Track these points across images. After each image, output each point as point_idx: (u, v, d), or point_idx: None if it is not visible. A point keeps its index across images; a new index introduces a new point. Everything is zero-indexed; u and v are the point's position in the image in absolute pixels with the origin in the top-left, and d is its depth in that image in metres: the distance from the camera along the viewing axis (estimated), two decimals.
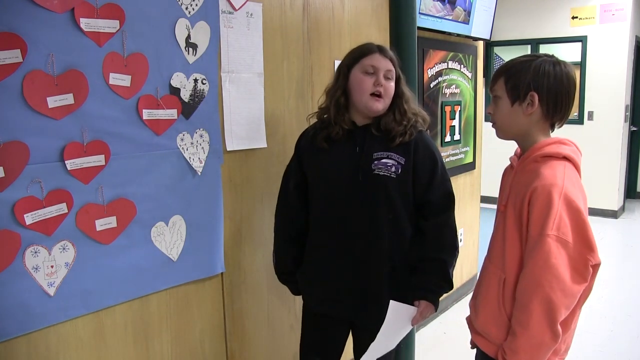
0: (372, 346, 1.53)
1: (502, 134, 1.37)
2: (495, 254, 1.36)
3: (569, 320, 1.25)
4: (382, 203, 1.54)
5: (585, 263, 1.19)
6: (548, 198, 1.18)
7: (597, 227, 5.43)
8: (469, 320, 1.49)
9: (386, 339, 1.54)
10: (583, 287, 1.21)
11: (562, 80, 1.27)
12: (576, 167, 1.29)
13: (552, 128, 1.35)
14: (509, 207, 1.31)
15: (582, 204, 1.22)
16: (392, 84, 1.56)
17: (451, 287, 1.62)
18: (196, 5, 1.60)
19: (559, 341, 1.21)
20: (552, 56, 1.30)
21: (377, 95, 1.52)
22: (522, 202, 1.25)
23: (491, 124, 1.40)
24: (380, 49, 1.56)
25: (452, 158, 3.23)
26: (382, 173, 1.52)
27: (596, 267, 1.22)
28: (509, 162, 1.44)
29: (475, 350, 1.47)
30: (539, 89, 1.26)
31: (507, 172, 1.44)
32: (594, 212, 5.85)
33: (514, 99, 1.29)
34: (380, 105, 1.54)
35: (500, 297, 1.31)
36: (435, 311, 1.63)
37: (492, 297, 1.33)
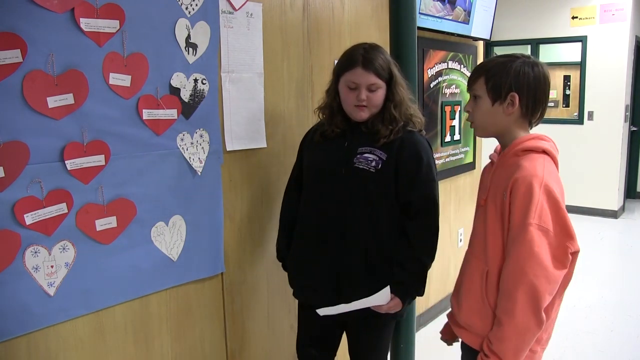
0: (339, 306, 1.54)
1: (482, 132, 1.42)
2: (477, 247, 1.39)
3: (549, 308, 1.28)
4: (359, 196, 1.56)
5: (564, 250, 1.23)
6: (529, 188, 1.23)
7: (597, 227, 5.43)
8: (451, 315, 1.52)
9: (352, 307, 1.54)
10: (563, 273, 1.25)
11: (540, 81, 1.32)
12: (554, 161, 1.33)
13: (530, 126, 1.39)
14: (489, 200, 1.35)
15: (560, 196, 1.26)
16: (378, 94, 1.56)
17: (423, 293, 1.63)
18: (196, 5, 1.60)
19: (543, 327, 1.25)
20: (530, 57, 1.35)
21: (361, 105, 1.55)
22: (503, 193, 1.29)
23: (470, 122, 1.43)
24: (364, 62, 1.52)
25: (452, 158, 3.24)
26: (362, 167, 1.55)
27: (575, 254, 1.26)
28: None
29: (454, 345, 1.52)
30: (519, 89, 1.31)
31: (487, 169, 1.48)
32: (594, 212, 5.86)
33: (494, 98, 1.33)
34: (365, 114, 1.57)
35: (483, 289, 1.34)
36: (400, 310, 1.61)
37: (475, 290, 1.36)
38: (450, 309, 1.56)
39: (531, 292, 1.21)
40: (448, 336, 1.60)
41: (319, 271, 1.62)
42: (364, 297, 1.53)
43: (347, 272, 1.58)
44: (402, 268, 1.56)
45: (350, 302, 1.55)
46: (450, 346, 1.62)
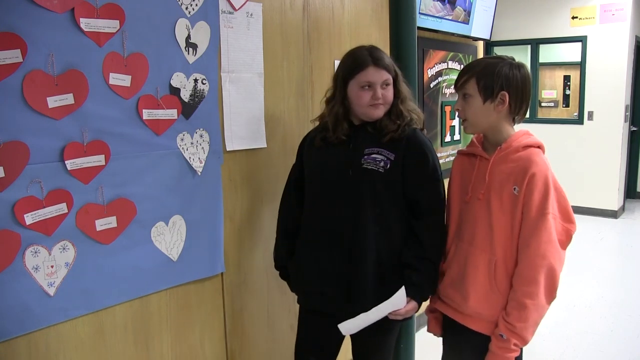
0: (359, 317, 1.51)
1: (473, 128, 1.52)
2: (481, 240, 1.47)
3: None
4: (368, 197, 1.54)
5: (568, 234, 1.42)
6: (546, 181, 1.38)
7: (597, 227, 5.43)
8: (445, 307, 1.57)
9: (372, 317, 1.51)
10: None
11: (525, 82, 1.47)
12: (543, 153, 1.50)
13: (514, 122, 1.53)
14: (493, 194, 1.44)
15: None
16: (390, 89, 1.57)
17: (434, 293, 1.62)
18: (196, 5, 1.60)
19: None
20: (513, 59, 1.49)
21: (377, 103, 1.55)
22: (512, 187, 1.40)
23: (460, 120, 1.54)
24: (374, 60, 1.53)
25: (452, 158, 3.23)
26: (370, 167, 1.54)
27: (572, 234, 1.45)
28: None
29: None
30: (509, 89, 1.44)
31: (472, 164, 1.54)
32: (594, 212, 5.85)
33: (486, 97, 1.45)
34: (381, 112, 1.57)
35: (492, 277, 1.44)
36: (416, 312, 1.61)
37: (483, 280, 1.45)
38: (428, 303, 1.64)
39: (550, 274, 1.36)
40: (437, 330, 1.68)
41: (328, 276, 1.58)
42: (373, 302, 1.50)
43: (358, 276, 1.55)
44: (415, 269, 1.54)
45: (356, 304, 1.52)
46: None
